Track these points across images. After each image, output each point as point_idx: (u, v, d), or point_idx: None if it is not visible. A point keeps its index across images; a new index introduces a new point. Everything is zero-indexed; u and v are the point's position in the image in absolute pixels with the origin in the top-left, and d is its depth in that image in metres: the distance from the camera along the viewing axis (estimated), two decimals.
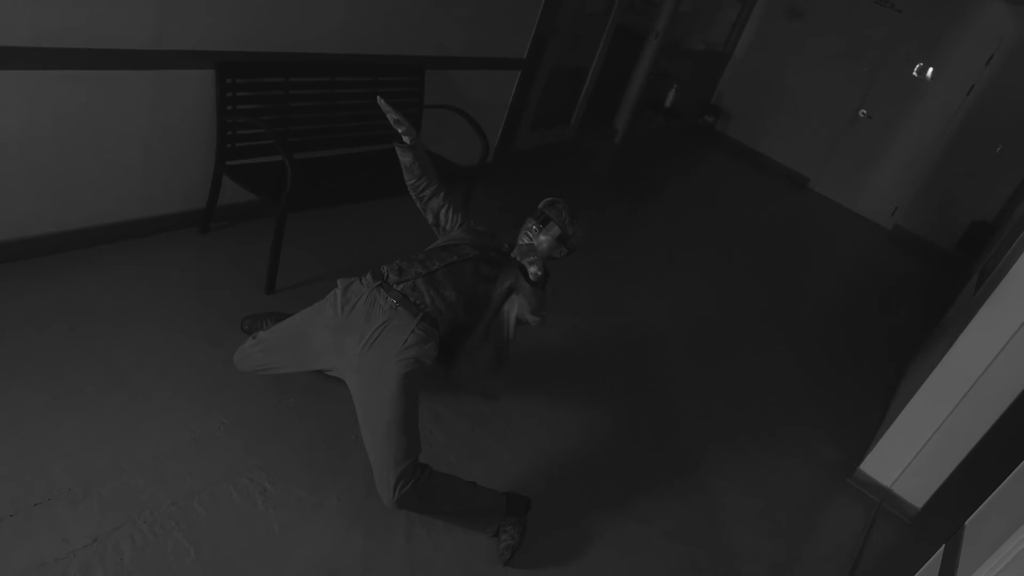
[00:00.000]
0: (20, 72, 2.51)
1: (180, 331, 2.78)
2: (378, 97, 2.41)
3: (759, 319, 4.87)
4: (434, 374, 2.36)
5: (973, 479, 2.82)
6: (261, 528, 2.17)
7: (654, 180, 6.93)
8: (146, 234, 3.24)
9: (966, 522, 2.22)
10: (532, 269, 2.20)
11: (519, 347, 2.83)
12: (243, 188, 3.20)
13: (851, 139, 7.99)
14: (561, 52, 5.59)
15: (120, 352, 2.59)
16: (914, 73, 7.45)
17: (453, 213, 2.58)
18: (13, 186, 2.69)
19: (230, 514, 2.17)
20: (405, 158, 2.51)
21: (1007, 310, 3.00)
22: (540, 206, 2.48)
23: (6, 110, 2.54)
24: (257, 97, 3.25)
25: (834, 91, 7.94)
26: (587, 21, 5.90)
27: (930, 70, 7.36)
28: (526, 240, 2.45)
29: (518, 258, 2.19)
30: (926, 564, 2.27)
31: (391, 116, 2.39)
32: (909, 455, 3.31)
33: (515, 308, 2.39)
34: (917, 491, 3.34)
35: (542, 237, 2.43)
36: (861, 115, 7.83)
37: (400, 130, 2.43)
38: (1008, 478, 2.26)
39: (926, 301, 6.22)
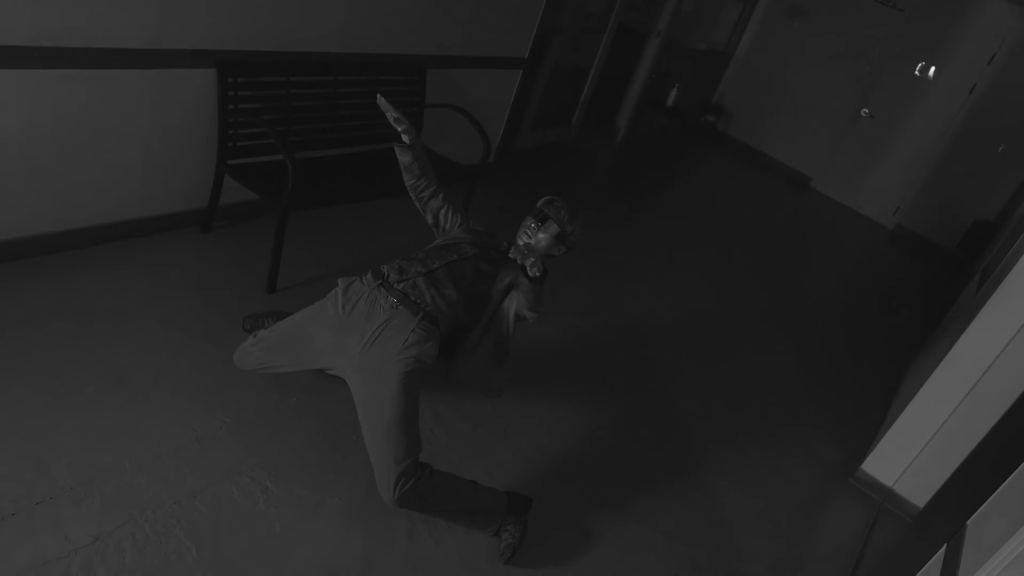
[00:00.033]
0: (20, 71, 2.51)
1: (181, 330, 2.78)
2: (378, 96, 2.41)
3: (760, 319, 4.86)
4: (435, 372, 2.36)
5: (975, 479, 2.82)
6: (263, 527, 2.17)
7: (655, 180, 6.93)
8: (147, 233, 3.25)
9: (968, 522, 2.22)
10: (531, 269, 2.20)
11: (519, 346, 2.83)
12: (244, 187, 3.20)
13: (853, 138, 7.98)
14: (563, 51, 5.59)
15: (121, 351, 2.59)
16: (916, 72, 7.44)
17: (452, 213, 2.59)
18: (13, 185, 2.69)
19: (232, 513, 2.17)
20: (404, 158, 2.52)
21: (1009, 310, 3.00)
22: (538, 204, 2.49)
23: (6, 109, 2.54)
24: (258, 96, 3.25)
25: (836, 90, 7.94)
26: (589, 20, 5.90)
27: (932, 69, 7.35)
28: (525, 238, 2.46)
29: (517, 258, 2.19)
30: (928, 564, 2.27)
31: (391, 115, 2.39)
32: (911, 455, 3.31)
33: (514, 304, 2.39)
34: (919, 491, 3.34)
35: (540, 235, 2.43)
36: (863, 114, 7.83)
37: (400, 129, 2.43)
38: (1009, 478, 2.26)
39: (927, 301, 6.22)
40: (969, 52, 7.11)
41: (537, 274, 2.23)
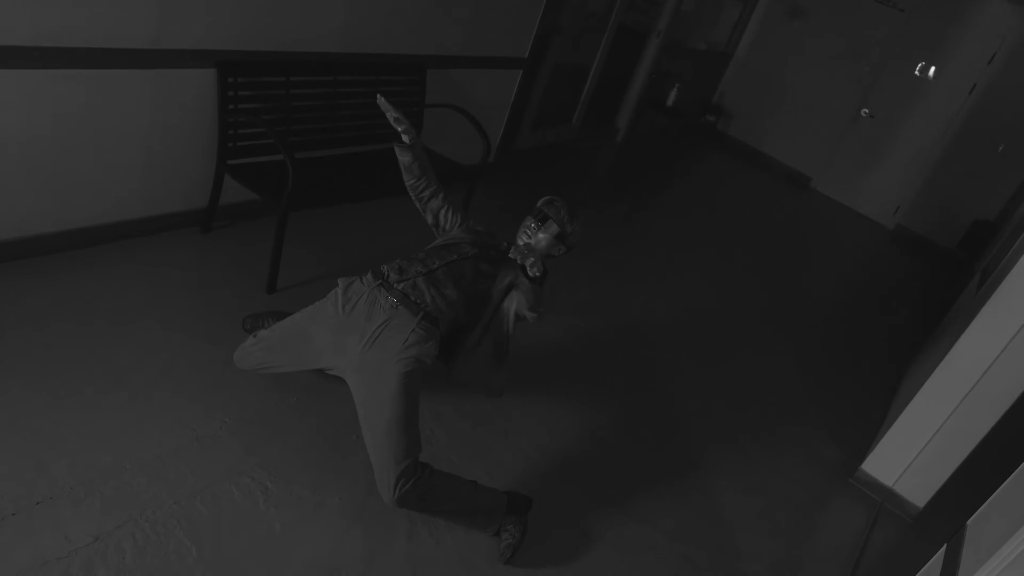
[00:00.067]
0: (20, 71, 2.51)
1: (181, 330, 2.78)
2: (378, 96, 2.41)
3: (760, 319, 4.86)
4: (435, 372, 2.36)
5: (975, 479, 2.82)
6: (263, 527, 2.17)
7: (655, 180, 6.93)
8: (147, 233, 3.25)
9: (968, 522, 2.22)
10: (532, 269, 2.20)
11: (520, 346, 2.83)
12: (244, 187, 3.20)
13: (853, 138, 7.98)
14: (563, 51, 5.59)
15: (121, 351, 2.59)
16: (916, 72, 7.44)
17: (452, 213, 2.59)
18: (13, 185, 2.69)
19: (232, 513, 2.17)
20: (404, 158, 2.52)
21: (1009, 310, 3.00)
22: (538, 204, 2.49)
23: (7, 109, 2.54)
24: (258, 96, 3.25)
25: (836, 90, 7.94)
26: (589, 20, 5.90)
27: (932, 69, 7.35)
28: (525, 238, 2.46)
29: (517, 258, 2.19)
30: (928, 564, 2.27)
31: (391, 115, 2.39)
32: (911, 455, 3.31)
33: (514, 304, 2.39)
34: (919, 491, 3.34)
35: (540, 235, 2.43)
36: (863, 114, 7.83)
37: (400, 129, 2.43)
38: (1009, 479, 2.26)
39: (927, 301, 6.22)
40: (969, 52, 7.11)
41: (537, 274, 2.24)
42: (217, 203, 3.36)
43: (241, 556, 2.07)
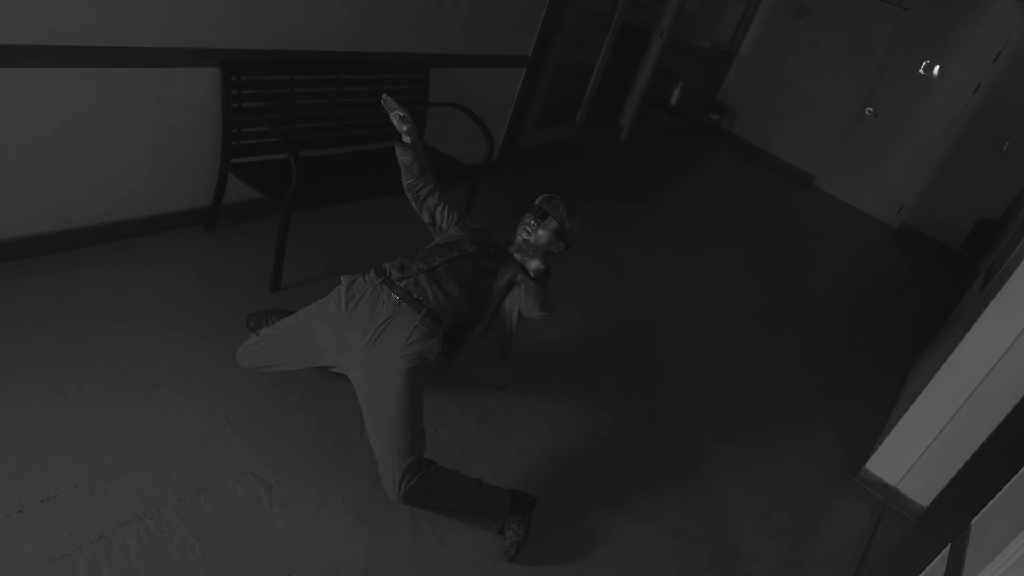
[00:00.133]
0: (27, 70, 2.52)
1: (185, 328, 2.79)
2: (384, 95, 2.42)
3: (762, 318, 4.86)
4: (437, 368, 2.37)
5: (979, 479, 2.81)
6: (267, 525, 2.18)
7: (659, 178, 6.92)
8: (152, 232, 3.25)
9: (972, 522, 2.22)
10: (532, 265, 2.20)
11: (521, 344, 2.84)
12: (248, 186, 3.20)
13: (857, 137, 7.96)
14: (566, 50, 5.59)
15: (125, 349, 2.60)
16: (920, 71, 7.42)
17: (449, 211, 2.60)
18: (19, 184, 2.70)
19: (236, 511, 2.18)
20: (405, 157, 2.53)
21: (1013, 309, 2.99)
22: (537, 201, 2.50)
23: (13, 107, 2.55)
24: (262, 95, 3.26)
25: (840, 89, 7.92)
26: (592, 18, 5.89)
27: (936, 68, 7.33)
28: (524, 235, 2.46)
29: (516, 255, 2.19)
30: (932, 563, 2.26)
31: (397, 113, 2.40)
32: (915, 454, 3.30)
33: (518, 302, 2.39)
34: (923, 490, 3.33)
35: (540, 232, 2.44)
36: (867, 113, 7.81)
37: (404, 128, 2.44)
38: (1013, 479, 2.26)
39: (932, 300, 6.21)
40: (974, 50, 7.08)
41: (540, 271, 2.23)
42: (221, 202, 3.37)
43: (245, 554, 2.07)
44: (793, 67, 8.16)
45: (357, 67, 3.67)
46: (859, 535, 3.15)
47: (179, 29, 2.86)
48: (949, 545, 2.21)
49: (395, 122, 2.45)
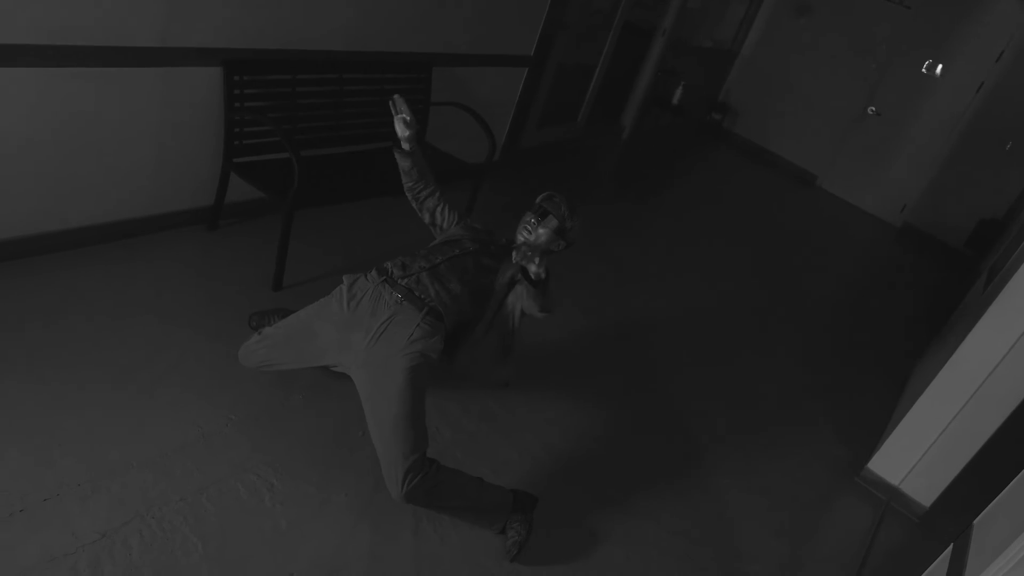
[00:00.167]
0: (29, 70, 2.52)
1: (187, 327, 2.79)
2: (395, 96, 2.42)
3: (763, 317, 4.85)
4: (440, 367, 2.37)
5: (982, 479, 2.81)
6: (268, 524, 2.18)
7: (661, 178, 6.92)
8: (154, 231, 3.26)
9: (974, 522, 2.21)
10: (532, 270, 2.19)
11: (523, 343, 2.83)
12: (251, 185, 3.21)
13: (859, 136, 7.95)
14: (568, 49, 5.58)
15: (127, 348, 2.60)
16: (923, 70, 7.41)
17: (449, 211, 2.61)
18: (20, 183, 2.70)
19: (238, 510, 2.18)
20: (404, 163, 2.55)
21: (1015, 309, 2.99)
22: (538, 200, 2.51)
23: (16, 107, 2.55)
24: (264, 94, 3.26)
25: (842, 88, 7.91)
26: (594, 18, 5.89)
27: (939, 67, 7.32)
28: (525, 234, 2.47)
29: (519, 261, 2.18)
30: (934, 563, 2.26)
31: (403, 117, 2.41)
32: (917, 454, 3.30)
33: (520, 301, 2.39)
34: (925, 490, 3.32)
35: (541, 230, 2.44)
36: (870, 112, 7.80)
37: (405, 135, 2.45)
38: (1015, 479, 2.25)
39: (934, 299, 6.19)
40: (977, 49, 7.07)
41: (540, 275, 2.22)
42: (223, 201, 3.37)
43: (247, 553, 2.07)
44: (795, 66, 8.15)
45: (359, 67, 3.67)
46: (861, 535, 3.15)
47: (180, 29, 2.86)
48: (951, 545, 2.20)
49: (398, 126, 2.46)
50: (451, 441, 2.73)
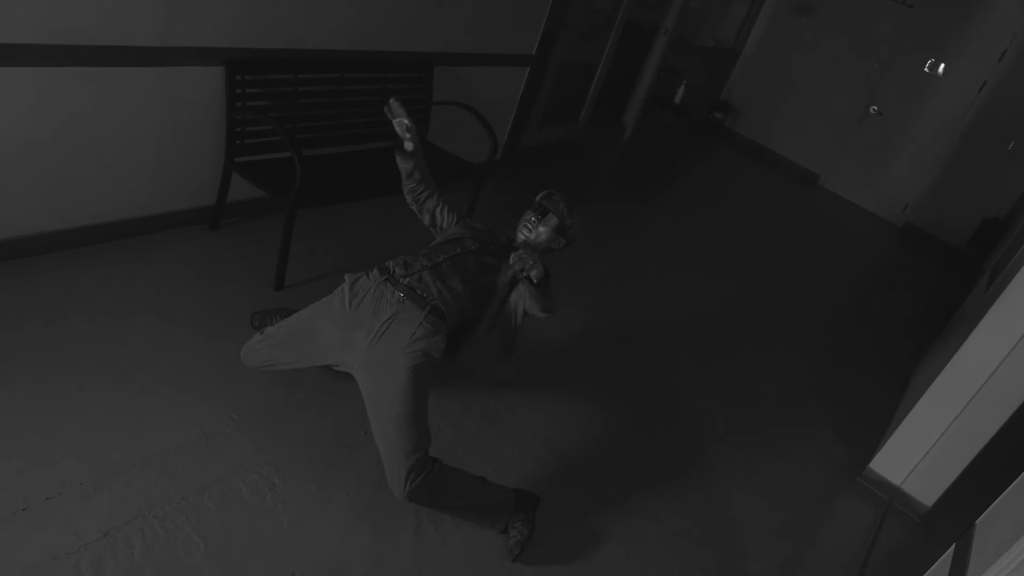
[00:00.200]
0: (30, 69, 2.52)
1: (189, 327, 2.79)
2: (392, 100, 2.42)
3: (764, 317, 4.85)
4: (442, 366, 2.37)
5: (984, 479, 2.81)
6: (270, 523, 2.18)
7: (662, 177, 6.92)
8: (155, 230, 3.26)
9: (976, 522, 2.21)
10: (534, 273, 2.18)
11: (525, 343, 2.83)
12: (252, 185, 3.21)
13: (862, 135, 7.94)
14: (570, 48, 5.58)
15: (129, 348, 2.61)
16: (925, 69, 7.40)
17: (448, 211, 2.62)
18: (21, 183, 2.70)
19: (239, 509, 2.18)
20: (406, 165, 2.55)
21: (1018, 309, 2.98)
22: (538, 198, 2.51)
23: (17, 107, 2.55)
24: (266, 94, 3.26)
25: (844, 87, 7.90)
26: (596, 17, 5.89)
27: (942, 66, 7.31)
28: (525, 232, 2.47)
29: (516, 266, 2.17)
30: (936, 563, 2.26)
31: (402, 121, 2.41)
32: (919, 454, 3.29)
33: (522, 299, 2.39)
34: (927, 490, 3.32)
35: (541, 228, 2.45)
36: (872, 111, 7.79)
37: (406, 137, 2.45)
38: (1018, 479, 2.25)
39: (936, 299, 6.19)
40: (979, 48, 7.06)
41: (541, 277, 2.21)
42: (225, 200, 3.37)
43: (249, 552, 2.08)
44: (797, 65, 8.15)
45: (361, 66, 3.67)
46: (863, 534, 3.15)
47: (182, 28, 2.86)
48: (953, 545, 2.20)
49: (398, 129, 2.46)
50: (453, 441, 2.73)
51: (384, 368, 2.19)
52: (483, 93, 4.55)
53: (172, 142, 3.10)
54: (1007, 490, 2.25)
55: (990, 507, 2.24)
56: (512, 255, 2.18)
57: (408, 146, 2.49)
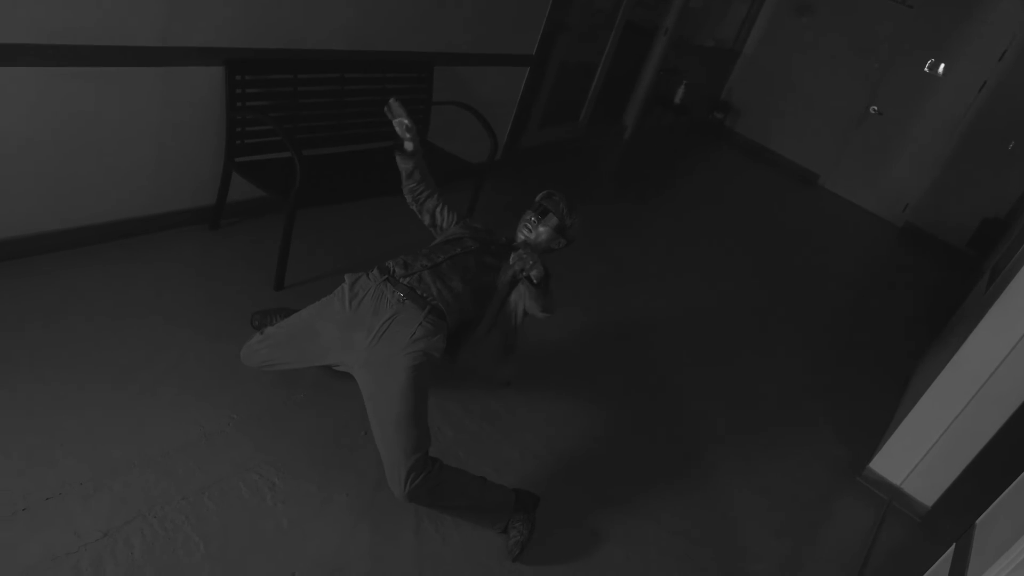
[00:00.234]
0: (30, 69, 2.52)
1: (189, 327, 2.79)
2: (391, 100, 2.42)
3: (764, 317, 4.85)
4: (442, 366, 2.37)
5: (984, 478, 2.81)
6: (270, 523, 2.18)
7: (662, 177, 6.91)
8: (155, 230, 3.26)
9: (977, 522, 2.21)
10: (534, 273, 2.18)
11: (526, 343, 2.84)
12: (252, 184, 3.21)
13: (862, 135, 7.94)
14: (570, 48, 5.58)
15: (129, 348, 2.61)
16: (925, 69, 7.39)
17: (448, 211, 2.62)
18: (21, 183, 2.70)
19: (239, 509, 2.18)
20: (406, 165, 2.54)
21: (1018, 309, 2.98)
22: (538, 198, 2.51)
23: (17, 107, 2.55)
24: (266, 94, 3.26)
25: (844, 87, 7.90)
26: (596, 17, 5.88)
27: (942, 66, 7.31)
28: (525, 232, 2.47)
29: (516, 266, 2.17)
30: (936, 563, 2.26)
31: (402, 121, 2.41)
32: (919, 454, 3.29)
33: (523, 298, 2.39)
34: (927, 490, 3.32)
35: (541, 228, 2.45)
36: (872, 111, 7.79)
37: (407, 136, 2.45)
38: (1018, 479, 2.25)
39: (937, 299, 6.19)
40: (979, 48, 7.06)
41: (541, 277, 2.21)
42: (225, 200, 3.37)
43: (249, 552, 2.08)
44: (797, 65, 8.14)
45: (361, 66, 3.67)
46: (863, 534, 3.15)
47: (182, 28, 2.86)
48: (953, 545, 2.20)
49: (398, 129, 2.46)
50: (453, 441, 2.73)
51: (384, 368, 2.19)
52: (483, 93, 4.55)
53: (172, 142, 3.10)
54: (1007, 490, 2.25)
55: (990, 507, 2.24)
56: (512, 255, 2.18)
57: (408, 146, 2.50)
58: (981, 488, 2.54)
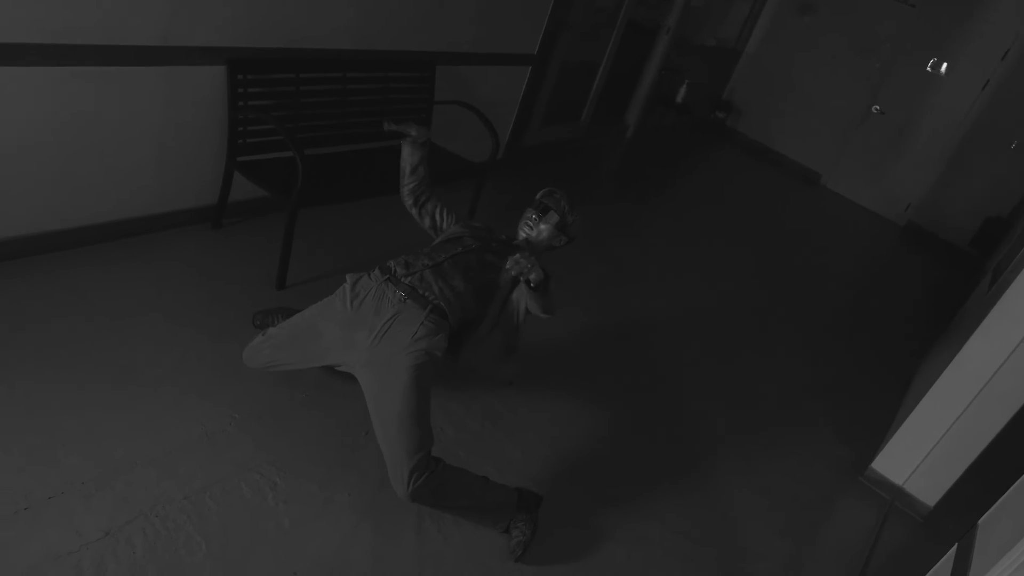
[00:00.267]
0: (31, 68, 2.52)
1: (191, 326, 2.79)
2: (385, 124, 2.45)
3: (764, 317, 4.84)
4: (444, 366, 2.37)
5: (987, 478, 2.80)
6: (272, 522, 2.18)
7: (664, 177, 6.91)
8: (157, 230, 3.26)
9: (979, 521, 2.21)
10: (532, 276, 2.16)
11: (528, 343, 2.83)
12: (254, 184, 3.21)
13: (864, 135, 7.93)
14: (572, 47, 5.57)
15: (131, 347, 2.61)
16: (928, 68, 7.38)
17: (448, 212, 2.63)
18: (22, 182, 2.70)
19: (241, 509, 2.18)
20: (413, 158, 2.53)
21: (1020, 309, 2.98)
22: (538, 196, 2.52)
23: (16, 106, 2.55)
24: (268, 93, 3.26)
25: (846, 87, 7.89)
26: (598, 16, 5.88)
27: (944, 65, 7.29)
28: (526, 230, 2.47)
29: (513, 271, 2.15)
30: (938, 563, 2.25)
31: (411, 132, 2.44)
32: (921, 454, 3.29)
33: (524, 298, 2.39)
34: (929, 490, 3.32)
35: (542, 226, 2.46)
36: (874, 111, 7.77)
37: (413, 133, 2.46)
38: (1020, 479, 2.24)
39: (939, 298, 6.18)
40: (982, 47, 7.04)
41: (540, 280, 2.20)
42: (227, 200, 3.38)
43: (250, 551, 2.08)
44: (799, 65, 8.13)
45: (363, 65, 3.67)
46: (865, 534, 3.15)
47: (183, 28, 2.86)
48: (955, 545, 2.20)
49: (404, 129, 2.48)
50: (455, 440, 2.73)
51: (386, 367, 2.19)
52: (485, 92, 4.55)
53: (174, 141, 3.10)
54: (1009, 490, 2.24)
55: (992, 507, 2.23)
56: (509, 260, 2.16)
57: (420, 134, 2.50)
58: (983, 488, 2.54)
